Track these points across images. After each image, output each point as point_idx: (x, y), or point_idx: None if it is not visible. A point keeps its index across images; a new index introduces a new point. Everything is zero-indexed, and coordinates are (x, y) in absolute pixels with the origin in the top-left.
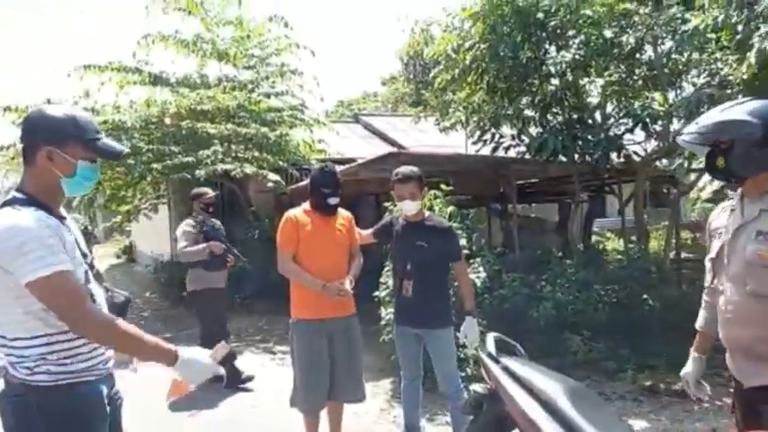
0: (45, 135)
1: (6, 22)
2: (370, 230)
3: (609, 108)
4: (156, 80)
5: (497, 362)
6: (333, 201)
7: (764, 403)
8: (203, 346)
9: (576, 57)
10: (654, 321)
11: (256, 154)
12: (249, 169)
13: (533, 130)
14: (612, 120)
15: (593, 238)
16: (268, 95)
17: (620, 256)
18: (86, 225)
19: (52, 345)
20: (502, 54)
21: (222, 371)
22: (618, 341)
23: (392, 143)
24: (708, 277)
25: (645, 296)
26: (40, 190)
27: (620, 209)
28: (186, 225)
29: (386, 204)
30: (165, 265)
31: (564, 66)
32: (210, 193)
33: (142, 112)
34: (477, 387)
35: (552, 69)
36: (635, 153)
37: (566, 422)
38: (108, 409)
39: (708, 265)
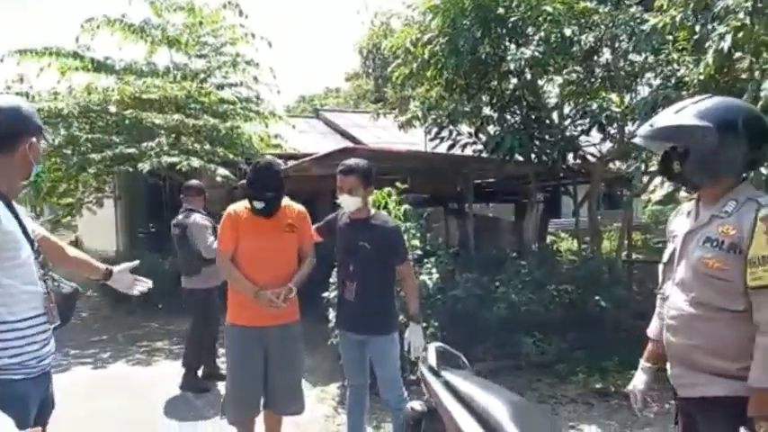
0: (30, 127)
1: None
2: (314, 226)
3: (567, 108)
4: (100, 66)
5: (438, 375)
6: (258, 205)
7: (701, 415)
8: (188, 346)
9: (536, 54)
10: (606, 322)
11: (207, 147)
12: (196, 162)
13: (491, 129)
14: (569, 120)
15: (549, 238)
16: (221, 86)
17: (573, 257)
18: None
19: None
20: (461, 49)
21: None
22: (570, 342)
23: (352, 140)
24: (660, 282)
25: (597, 297)
26: (4, 178)
27: (575, 209)
28: (201, 219)
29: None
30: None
31: (522, 63)
32: (194, 183)
33: (81, 100)
34: (415, 404)
35: (511, 66)
36: (590, 154)
37: None
38: (31, 415)
39: (660, 268)
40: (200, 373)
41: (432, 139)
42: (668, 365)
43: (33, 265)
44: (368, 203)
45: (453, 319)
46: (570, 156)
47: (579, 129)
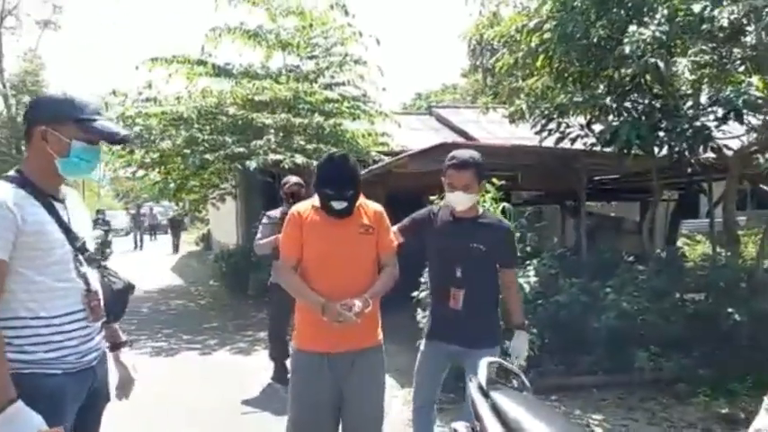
0: (41, 114)
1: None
2: (395, 227)
3: (699, 96)
4: (221, 72)
5: (486, 396)
6: (339, 206)
7: None
8: (270, 341)
9: (657, 34)
10: (739, 338)
11: (313, 145)
12: (299, 159)
13: (609, 120)
14: (700, 108)
15: (682, 240)
16: (329, 86)
17: (703, 263)
18: (179, 212)
19: (19, 329)
20: (571, 34)
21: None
22: (694, 359)
23: (464, 136)
24: None
25: (730, 309)
26: (34, 170)
27: (709, 209)
28: (267, 217)
29: (432, 197)
30: (229, 255)
31: (642, 45)
32: (292, 180)
33: (199, 103)
34: (459, 425)
35: (627, 49)
36: (725, 146)
37: None
38: (65, 411)
39: None
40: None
41: (537, 133)
42: None
43: (71, 261)
44: (477, 201)
45: (556, 327)
46: (702, 148)
47: (712, 118)
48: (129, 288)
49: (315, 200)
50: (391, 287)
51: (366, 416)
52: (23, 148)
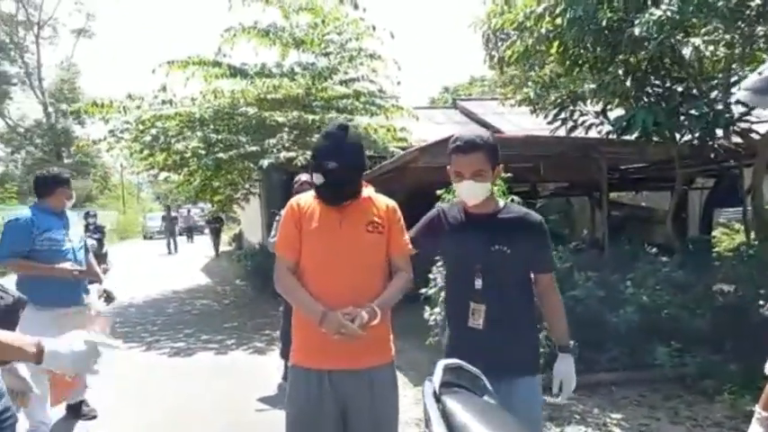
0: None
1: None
2: (409, 233)
3: (722, 75)
4: (236, 72)
5: (438, 400)
6: (318, 179)
7: None
8: (281, 339)
9: (669, 13)
10: None
11: None
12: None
13: (626, 106)
14: (723, 90)
15: (720, 230)
16: (345, 82)
17: (729, 253)
18: (214, 213)
19: None
20: (582, 17)
21: (101, 351)
22: (721, 355)
23: (488, 128)
24: None
25: (762, 302)
26: None
27: (741, 197)
28: (279, 215)
29: (438, 192)
30: (253, 254)
31: (654, 26)
32: (302, 179)
33: (213, 104)
34: None
35: (636, 31)
36: (752, 130)
37: None
38: None
39: None
40: None
41: (550, 122)
42: None
43: None
44: (494, 192)
45: (572, 323)
46: (724, 133)
47: (736, 101)
48: (18, 302)
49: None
50: (403, 292)
51: None
52: (63, 155)
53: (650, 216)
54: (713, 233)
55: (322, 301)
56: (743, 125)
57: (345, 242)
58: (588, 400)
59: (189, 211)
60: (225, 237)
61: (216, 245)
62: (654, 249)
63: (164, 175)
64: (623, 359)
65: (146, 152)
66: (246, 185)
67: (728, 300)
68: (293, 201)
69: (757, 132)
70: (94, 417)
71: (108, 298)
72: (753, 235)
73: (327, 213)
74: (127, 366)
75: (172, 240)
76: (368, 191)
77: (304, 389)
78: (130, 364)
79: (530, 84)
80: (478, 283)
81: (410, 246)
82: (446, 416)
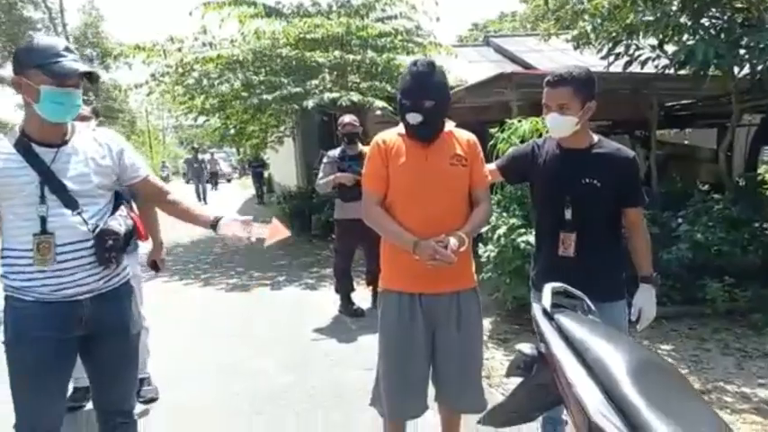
0: (14, 65)
1: None
2: (493, 164)
3: None
4: (271, 12)
5: (551, 319)
6: (413, 119)
7: None
8: (335, 275)
9: None
10: None
11: (368, 83)
12: (356, 97)
13: (684, 38)
14: None
15: (765, 168)
16: (381, 20)
17: None
18: (254, 156)
19: (5, 258)
20: None
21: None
22: None
23: (525, 66)
24: None
25: None
26: (27, 120)
27: None
28: (327, 156)
29: (492, 131)
30: (291, 196)
31: None
32: (346, 120)
33: (253, 45)
34: (524, 347)
35: None
36: None
37: (625, 406)
38: (33, 333)
39: None
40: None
41: (604, 57)
42: None
43: (36, 204)
44: (587, 127)
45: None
46: None
47: None
48: (133, 231)
49: (401, 127)
50: (484, 223)
51: (466, 366)
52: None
53: (694, 154)
54: (758, 171)
55: (410, 232)
56: None
57: (432, 175)
58: (638, 332)
59: (212, 155)
60: (249, 180)
61: (259, 190)
62: (705, 186)
63: (202, 119)
64: (673, 294)
65: (187, 96)
66: (281, 128)
67: None
68: (378, 138)
69: None
70: (153, 399)
71: (154, 266)
72: None
73: (413, 149)
74: (187, 300)
75: (201, 187)
76: (449, 125)
77: (397, 309)
78: (191, 298)
79: (585, 17)
80: (568, 214)
81: (489, 177)
82: (561, 332)
